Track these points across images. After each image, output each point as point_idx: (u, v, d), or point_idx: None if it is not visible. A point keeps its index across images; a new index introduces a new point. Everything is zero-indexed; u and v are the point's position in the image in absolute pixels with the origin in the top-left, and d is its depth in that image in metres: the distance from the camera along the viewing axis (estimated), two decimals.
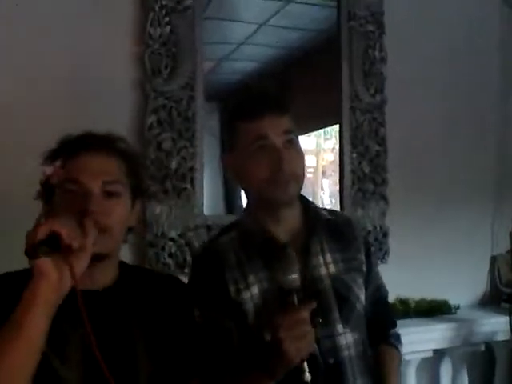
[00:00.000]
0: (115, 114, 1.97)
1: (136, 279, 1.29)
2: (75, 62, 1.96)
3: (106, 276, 1.22)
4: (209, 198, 2.18)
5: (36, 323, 1.01)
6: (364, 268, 1.45)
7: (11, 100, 1.87)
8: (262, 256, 1.35)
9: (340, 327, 1.35)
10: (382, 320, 1.51)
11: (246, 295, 1.33)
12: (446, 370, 2.47)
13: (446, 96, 2.67)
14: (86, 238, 1.06)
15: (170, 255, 2.08)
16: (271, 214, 1.38)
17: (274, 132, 1.33)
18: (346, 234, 1.46)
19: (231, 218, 2.15)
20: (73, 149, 1.19)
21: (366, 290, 1.45)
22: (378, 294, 1.50)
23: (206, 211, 2.17)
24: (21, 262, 1.15)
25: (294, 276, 1.22)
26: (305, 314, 1.19)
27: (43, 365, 1.04)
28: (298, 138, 1.40)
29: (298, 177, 1.36)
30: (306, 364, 1.18)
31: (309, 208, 1.44)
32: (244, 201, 2.26)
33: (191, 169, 2.13)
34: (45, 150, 1.23)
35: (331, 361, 1.32)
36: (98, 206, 1.14)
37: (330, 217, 1.46)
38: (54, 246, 1.03)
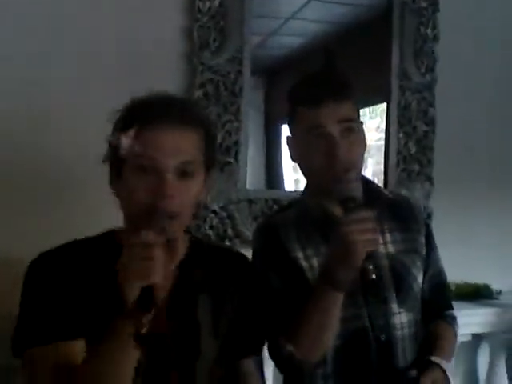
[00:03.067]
0: (163, 87, 1.97)
1: (205, 254, 1.25)
2: (124, 35, 1.98)
3: None
4: (251, 172, 2.20)
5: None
6: (423, 250, 1.45)
7: (62, 75, 1.91)
8: (321, 232, 1.37)
9: (395, 306, 1.36)
10: (439, 303, 1.51)
11: (305, 264, 1.36)
12: (483, 355, 2.45)
13: (499, 77, 2.60)
14: (173, 259, 1.01)
15: (211, 227, 2.12)
16: (330, 196, 1.37)
17: (330, 120, 1.31)
18: (407, 215, 1.46)
19: (273, 193, 2.22)
20: (147, 118, 1.07)
21: (425, 272, 1.45)
22: (437, 278, 1.50)
23: (248, 185, 2.19)
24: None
25: (352, 184, 1.27)
26: (367, 213, 1.22)
27: None
28: (359, 123, 1.39)
29: (355, 164, 1.35)
30: (370, 263, 1.21)
31: (370, 188, 1.44)
32: (286, 176, 2.31)
33: (235, 143, 2.15)
34: (113, 111, 1.13)
35: (383, 337, 1.34)
36: (173, 189, 1.06)
37: (390, 196, 1.46)
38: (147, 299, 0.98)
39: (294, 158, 1.43)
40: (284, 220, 1.42)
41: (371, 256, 1.20)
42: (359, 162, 1.37)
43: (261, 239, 1.45)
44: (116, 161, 1.11)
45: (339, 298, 1.25)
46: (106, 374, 1.00)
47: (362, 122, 1.41)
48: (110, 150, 1.13)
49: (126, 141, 1.07)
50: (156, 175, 1.06)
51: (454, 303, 2.15)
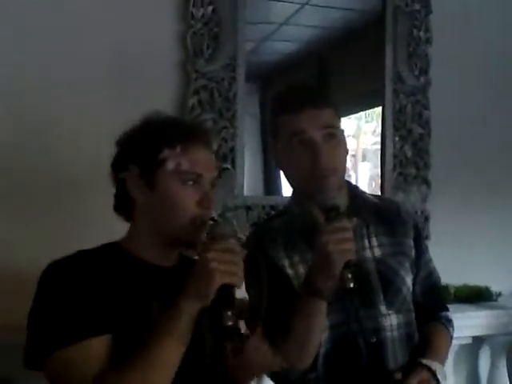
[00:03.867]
0: (157, 95, 1.98)
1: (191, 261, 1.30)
2: (117, 43, 1.97)
3: (174, 256, 1.28)
4: (248, 178, 2.20)
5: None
6: (412, 253, 1.45)
7: (52, 82, 1.90)
8: (307, 239, 1.37)
9: (384, 309, 1.37)
10: (433, 305, 1.51)
11: (291, 272, 1.37)
12: (484, 358, 2.44)
13: (492, 78, 2.61)
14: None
15: None
16: (313, 202, 1.37)
17: (312, 126, 1.33)
18: (394, 218, 1.47)
19: (270, 199, 2.21)
20: (189, 138, 1.22)
21: (416, 275, 1.46)
22: (429, 279, 1.50)
23: (245, 192, 2.18)
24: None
25: (334, 192, 1.28)
26: (346, 223, 1.24)
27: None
28: (341, 130, 1.40)
29: (336, 170, 1.36)
30: (348, 272, 1.21)
31: (355, 193, 1.45)
32: (283, 182, 2.30)
33: (232, 149, 2.15)
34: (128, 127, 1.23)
35: (373, 339, 1.34)
36: (212, 200, 1.22)
37: (376, 201, 1.47)
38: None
39: (277, 164, 1.45)
40: (272, 228, 1.43)
41: (349, 265, 1.21)
42: (342, 168, 1.39)
43: (249, 250, 1.43)
44: (145, 175, 1.20)
45: (322, 306, 1.27)
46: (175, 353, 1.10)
47: (343, 130, 1.43)
48: (134, 165, 1.20)
49: (174, 158, 1.19)
50: (199, 188, 1.20)
51: (454, 306, 2.17)
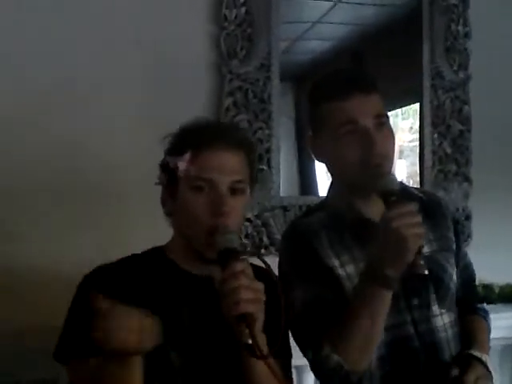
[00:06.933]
0: (192, 97, 2.00)
1: None
2: (151, 46, 2.00)
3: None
4: (284, 179, 2.19)
5: None
6: (454, 247, 1.41)
7: (88, 87, 1.93)
8: (354, 235, 1.32)
9: (436, 308, 1.32)
10: (471, 297, 1.48)
11: (342, 273, 1.30)
12: None
13: None
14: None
15: (247, 236, 2.11)
16: (360, 195, 1.34)
17: (363, 114, 1.26)
18: (436, 212, 1.42)
19: (306, 199, 2.20)
20: (201, 142, 1.16)
21: (456, 268, 1.41)
22: (466, 272, 1.46)
23: (282, 192, 2.18)
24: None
25: (393, 177, 1.24)
26: (411, 206, 1.20)
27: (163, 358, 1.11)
28: (387, 116, 1.33)
29: (390, 158, 1.31)
30: (420, 258, 1.16)
31: (400, 187, 1.37)
32: (319, 182, 2.29)
33: (267, 150, 2.15)
34: (167, 135, 1.20)
35: (428, 341, 1.30)
36: (228, 206, 1.14)
37: (420, 195, 1.41)
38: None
39: (319, 157, 1.37)
40: (313, 225, 1.35)
41: (421, 251, 1.16)
42: (393, 156, 1.33)
43: (291, 247, 1.38)
44: (170, 183, 1.18)
45: (388, 298, 1.20)
46: None
47: (388, 116, 1.35)
48: (163, 173, 1.20)
49: (182, 164, 1.15)
50: (212, 194, 1.14)
51: (498, 306, 2.12)
